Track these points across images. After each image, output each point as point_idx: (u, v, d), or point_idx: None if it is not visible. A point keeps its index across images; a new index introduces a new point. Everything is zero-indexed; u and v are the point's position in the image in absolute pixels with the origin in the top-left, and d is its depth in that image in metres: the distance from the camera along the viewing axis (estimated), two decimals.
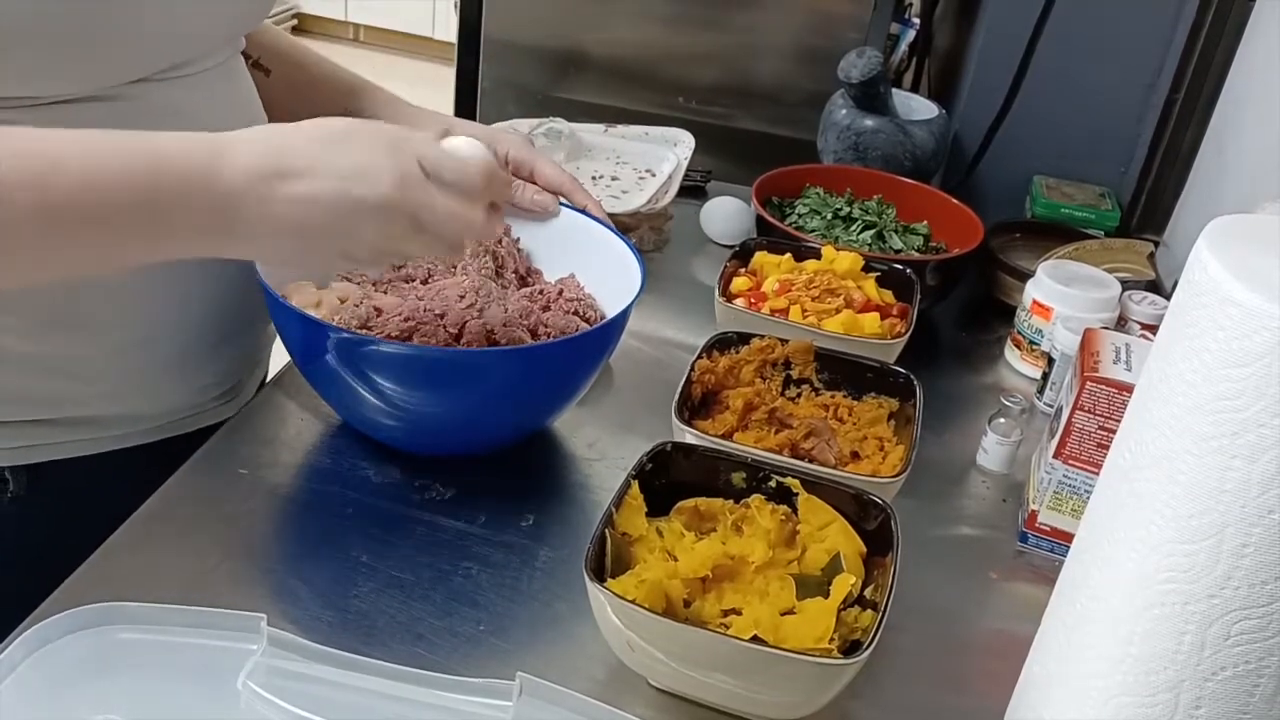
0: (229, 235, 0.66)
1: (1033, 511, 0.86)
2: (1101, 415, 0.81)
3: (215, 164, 0.64)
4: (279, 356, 0.94)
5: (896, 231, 1.19)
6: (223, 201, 0.64)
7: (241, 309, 0.89)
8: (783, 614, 0.66)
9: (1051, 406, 0.98)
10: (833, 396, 0.86)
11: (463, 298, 0.84)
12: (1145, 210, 1.45)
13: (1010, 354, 1.11)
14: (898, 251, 1.17)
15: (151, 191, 0.63)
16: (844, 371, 0.87)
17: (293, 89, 0.97)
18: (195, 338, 0.87)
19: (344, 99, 0.98)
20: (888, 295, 1.02)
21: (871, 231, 1.19)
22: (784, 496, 0.73)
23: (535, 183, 0.97)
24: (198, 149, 0.64)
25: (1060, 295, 1.04)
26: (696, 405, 0.85)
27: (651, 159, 1.25)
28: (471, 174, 0.70)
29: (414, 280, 0.91)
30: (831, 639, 0.64)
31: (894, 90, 1.38)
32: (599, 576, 0.65)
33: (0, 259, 0.62)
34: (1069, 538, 0.75)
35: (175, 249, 0.67)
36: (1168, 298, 1.09)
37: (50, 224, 0.61)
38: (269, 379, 0.97)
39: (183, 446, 0.85)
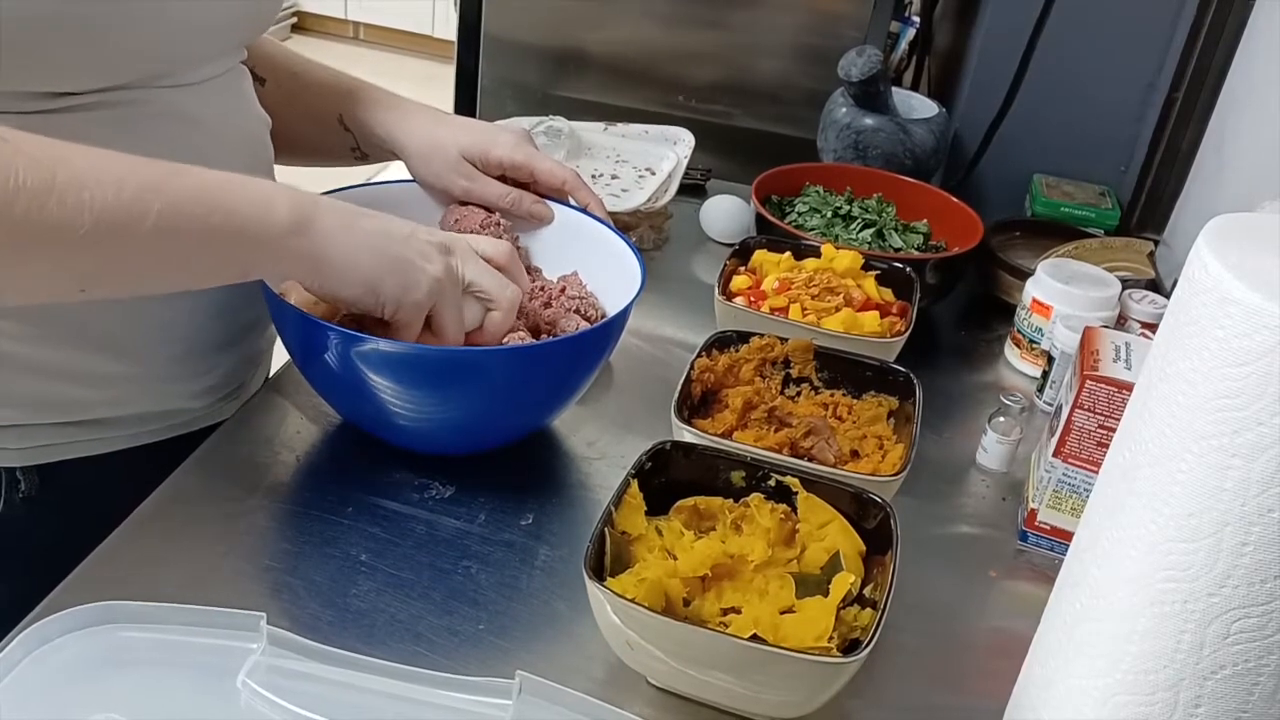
0: (309, 229, 0.71)
1: (1032, 510, 0.86)
2: (1101, 414, 0.81)
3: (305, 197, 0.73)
4: (280, 354, 0.94)
5: (896, 230, 1.19)
6: (310, 204, 0.72)
7: (247, 311, 0.90)
8: (782, 613, 0.66)
9: (1051, 405, 0.98)
10: (832, 395, 0.86)
11: None
12: (1145, 209, 1.45)
13: (1010, 352, 1.11)
14: (897, 250, 1.17)
15: (245, 186, 0.70)
16: (843, 370, 0.87)
17: (288, 96, 0.97)
18: (203, 341, 0.87)
19: (337, 103, 0.98)
20: (887, 294, 1.02)
21: (871, 230, 1.19)
22: (783, 495, 0.73)
23: (536, 182, 0.97)
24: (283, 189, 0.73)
25: (1060, 294, 1.04)
26: (696, 404, 0.85)
27: (651, 157, 1.25)
28: (503, 248, 0.84)
29: None
30: (831, 637, 0.64)
31: (894, 89, 1.38)
32: (598, 575, 0.65)
33: (121, 264, 0.66)
34: (1068, 536, 0.75)
35: (263, 250, 0.71)
36: (1167, 296, 1.09)
37: (172, 228, 0.65)
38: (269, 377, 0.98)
39: (189, 446, 0.86)
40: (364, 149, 1.00)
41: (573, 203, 0.98)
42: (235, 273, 0.72)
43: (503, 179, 0.97)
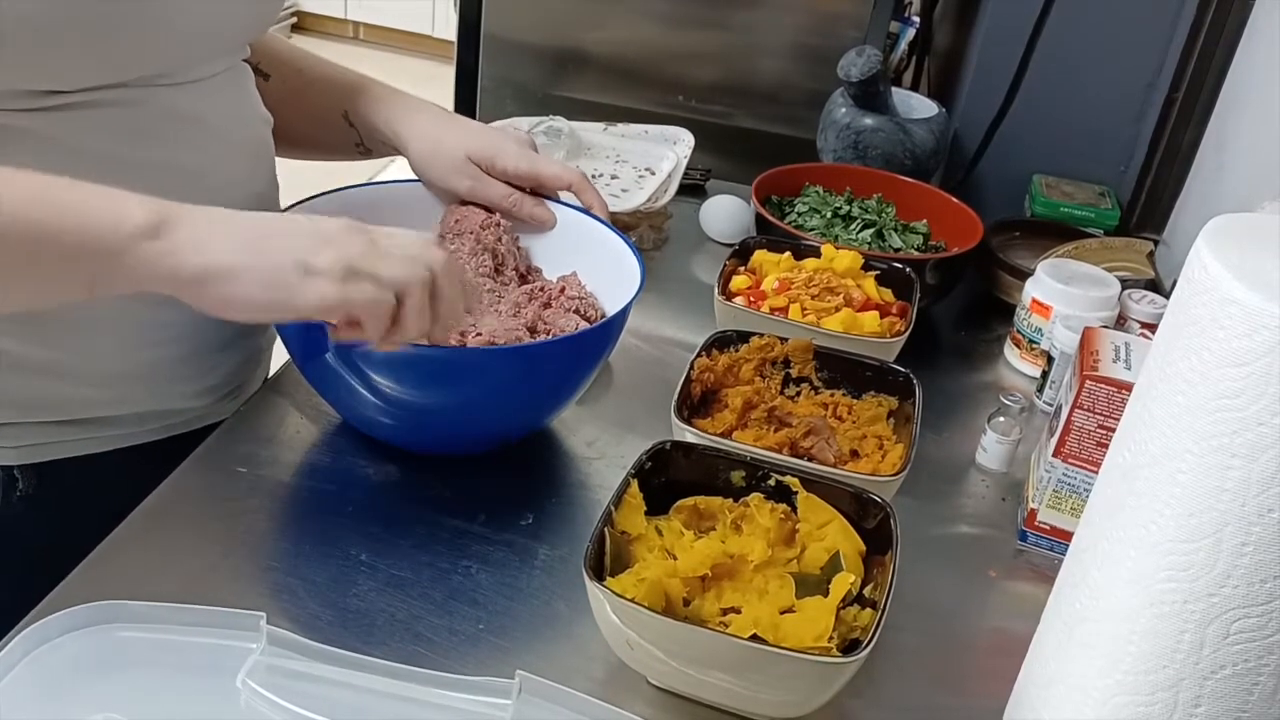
0: (169, 232, 0.63)
1: (1032, 510, 0.86)
2: (1101, 414, 0.81)
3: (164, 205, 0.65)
4: (279, 354, 0.94)
5: (896, 230, 1.19)
6: (173, 208, 0.64)
7: None
8: (782, 612, 0.66)
9: (1051, 405, 0.98)
10: (832, 395, 0.86)
11: None
12: (1145, 209, 1.45)
13: (1010, 352, 1.11)
14: (897, 250, 1.17)
15: (99, 191, 0.63)
16: (843, 370, 0.87)
17: (291, 93, 0.97)
18: (201, 342, 0.87)
19: (341, 99, 0.98)
20: (887, 294, 1.02)
21: (871, 230, 1.19)
22: (783, 495, 0.73)
23: (541, 186, 0.97)
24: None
25: (1060, 294, 1.04)
26: (696, 404, 0.85)
27: (651, 157, 1.25)
28: (413, 235, 0.72)
29: None
30: (830, 637, 0.64)
31: (894, 89, 1.38)
32: (598, 575, 0.65)
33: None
34: (1068, 536, 0.75)
35: (110, 257, 0.64)
36: (1167, 296, 1.09)
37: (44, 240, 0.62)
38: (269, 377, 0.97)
39: (188, 445, 0.86)
40: (368, 145, 0.99)
41: (574, 201, 0.97)
42: (80, 284, 0.65)
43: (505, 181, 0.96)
